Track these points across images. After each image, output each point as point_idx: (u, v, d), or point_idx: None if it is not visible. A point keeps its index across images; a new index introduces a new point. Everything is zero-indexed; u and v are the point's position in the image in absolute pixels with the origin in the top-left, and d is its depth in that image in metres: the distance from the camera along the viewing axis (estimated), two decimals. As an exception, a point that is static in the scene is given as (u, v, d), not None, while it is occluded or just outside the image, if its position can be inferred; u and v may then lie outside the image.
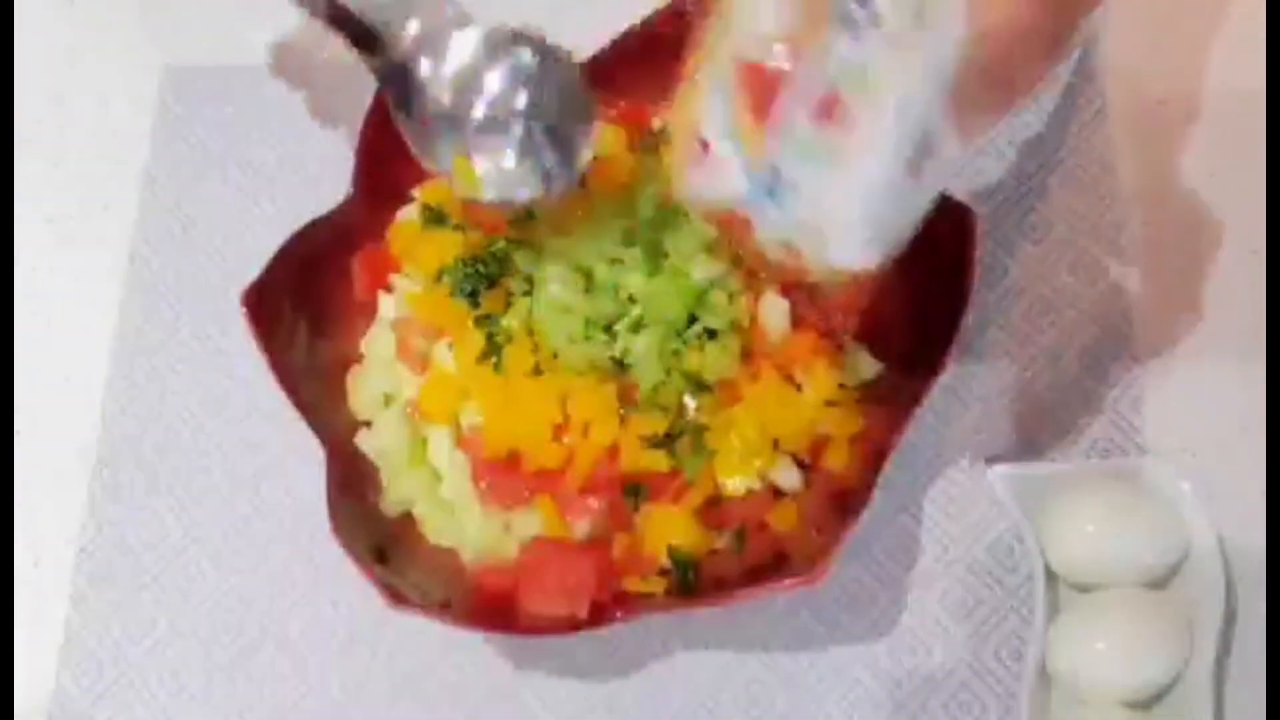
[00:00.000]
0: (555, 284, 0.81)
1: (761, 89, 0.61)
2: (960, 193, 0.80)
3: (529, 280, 0.82)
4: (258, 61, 0.99)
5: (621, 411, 0.79)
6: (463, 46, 0.79)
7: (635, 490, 0.78)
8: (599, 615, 0.77)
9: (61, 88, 1.02)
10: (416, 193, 0.88)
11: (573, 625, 0.77)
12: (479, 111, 0.79)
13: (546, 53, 0.79)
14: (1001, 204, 0.89)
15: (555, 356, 0.80)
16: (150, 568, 0.86)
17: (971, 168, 0.90)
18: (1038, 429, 0.84)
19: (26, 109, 1.01)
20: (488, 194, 0.80)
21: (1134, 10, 0.92)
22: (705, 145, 0.63)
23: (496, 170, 0.79)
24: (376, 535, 0.80)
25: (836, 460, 0.80)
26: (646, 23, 0.88)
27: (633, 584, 0.78)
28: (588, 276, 0.81)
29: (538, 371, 0.79)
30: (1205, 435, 0.82)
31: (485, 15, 0.80)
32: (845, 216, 0.62)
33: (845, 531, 0.74)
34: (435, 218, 0.85)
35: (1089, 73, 0.91)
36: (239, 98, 0.99)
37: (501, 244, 0.83)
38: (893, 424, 0.76)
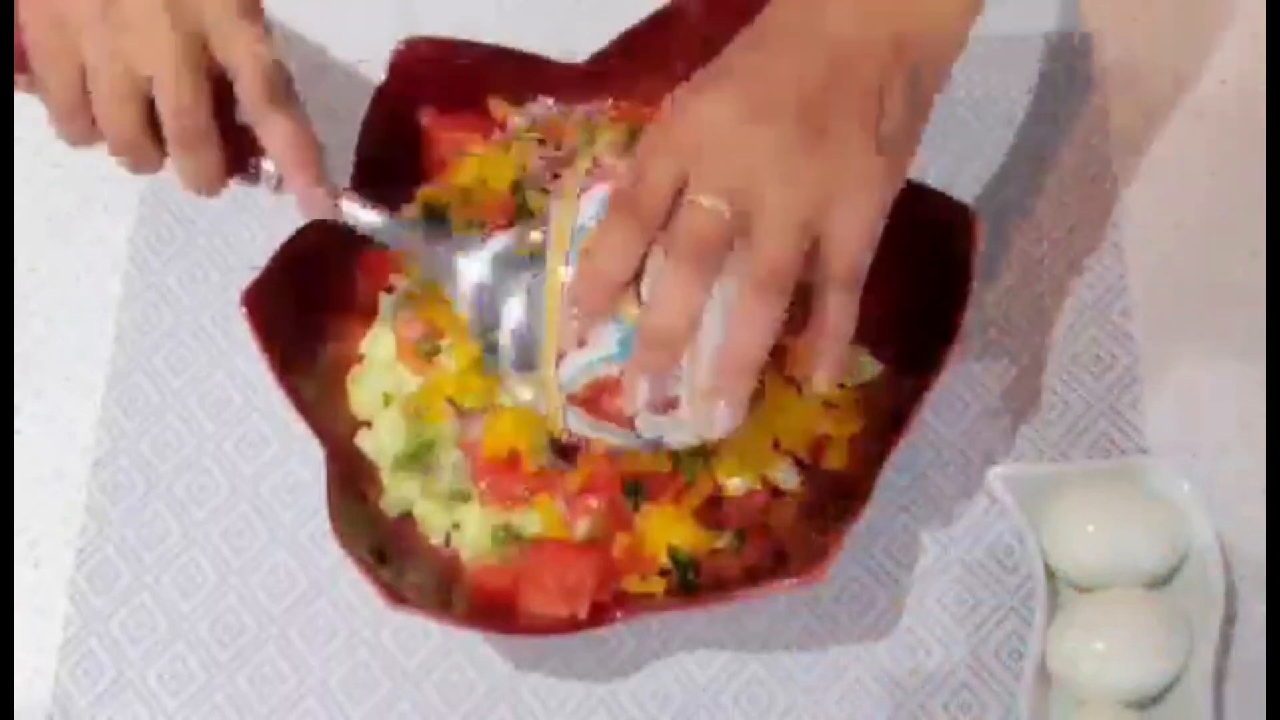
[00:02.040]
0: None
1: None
2: (960, 192, 0.80)
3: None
4: None
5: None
6: (469, 270, 0.74)
7: (635, 490, 0.78)
8: (599, 615, 0.77)
9: None
10: (416, 193, 0.87)
11: (573, 625, 0.77)
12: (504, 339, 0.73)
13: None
14: (1001, 204, 0.89)
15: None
16: (150, 568, 0.86)
17: (971, 168, 0.90)
18: (1038, 429, 0.83)
19: (26, 109, 1.00)
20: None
21: (1134, 9, 0.93)
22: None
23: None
24: (376, 535, 0.79)
25: (836, 460, 0.80)
26: (646, 23, 0.88)
27: (633, 584, 0.78)
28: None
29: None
30: (1205, 435, 0.82)
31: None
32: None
33: (845, 532, 0.73)
34: (435, 217, 0.85)
35: (1089, 72, 0.91)
36: None
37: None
38: (893, 424, 0.76)
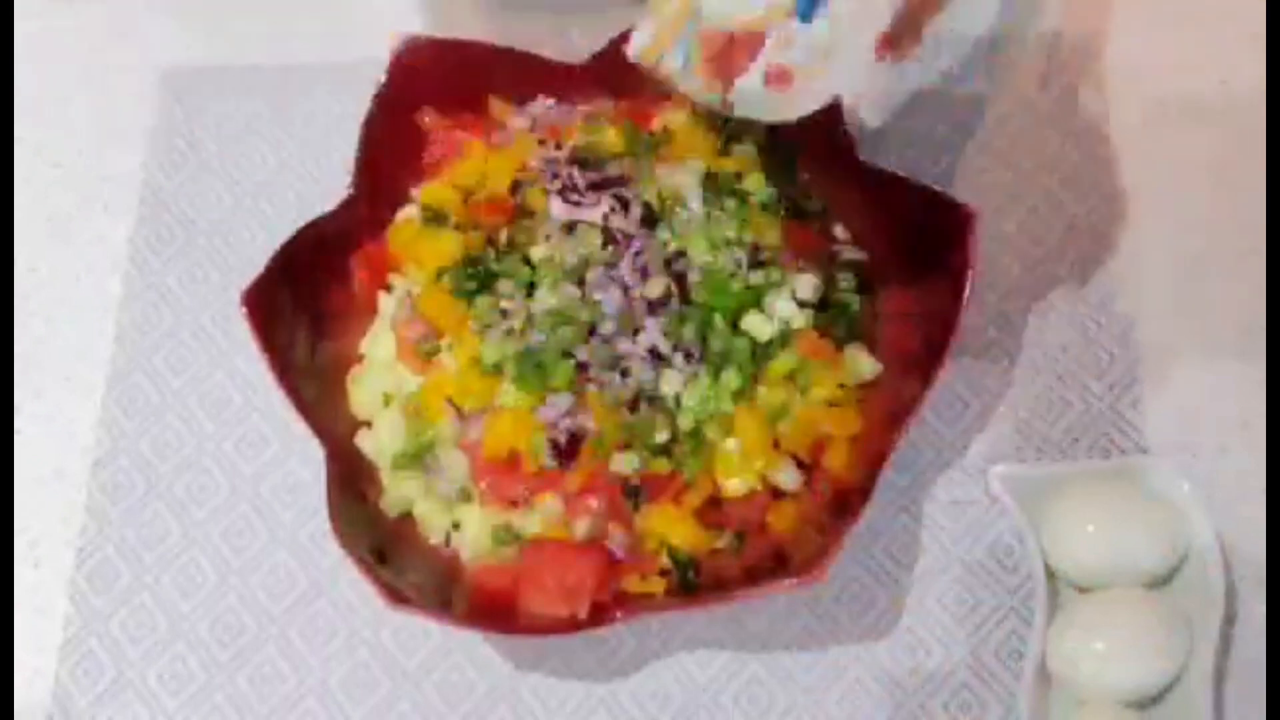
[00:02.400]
0: (552, 289, 0.81)
1: None
2: (960, 192, 0.80)
3: (529, 285, 0.82)
4: (258, 61, 1.00)
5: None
6: None
7: (635, 491, 0.78)
8: (599, 615, 0.77)
9: (62, 88, 1.02)
10: (416, 192, 0.88)
11: (573, 625, 0.77)
12: None
13: None
14: (1002, 203, 0.89)
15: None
16: (150, 568, 0.86)
17: (972, 167, 0.90)
18: (1038, 429, 0.84)
19: (26, 109, 1.01)
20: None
21: (1135, 9, 0.92)
22: None
23: None
24: (376, 535, 0.79)
25: (837, 460, 0.80)
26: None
27: (633, 584, 0.78)
28: (582, 282, 0.81)
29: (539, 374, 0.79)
30: (1205, 435, 0.82)
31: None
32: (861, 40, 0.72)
33: (845, 532, 0.73)
34: (435, 218, 0.85)
35: (1089, 72, 0.91)
36: (239, 98, 0.99)
37: (502, 239, 0.83)
38: (893, 424, 0.77)
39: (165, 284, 0.94)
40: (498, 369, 0.79)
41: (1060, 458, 0.83)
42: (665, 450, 0.78)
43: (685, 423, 0.78)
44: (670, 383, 0.78)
